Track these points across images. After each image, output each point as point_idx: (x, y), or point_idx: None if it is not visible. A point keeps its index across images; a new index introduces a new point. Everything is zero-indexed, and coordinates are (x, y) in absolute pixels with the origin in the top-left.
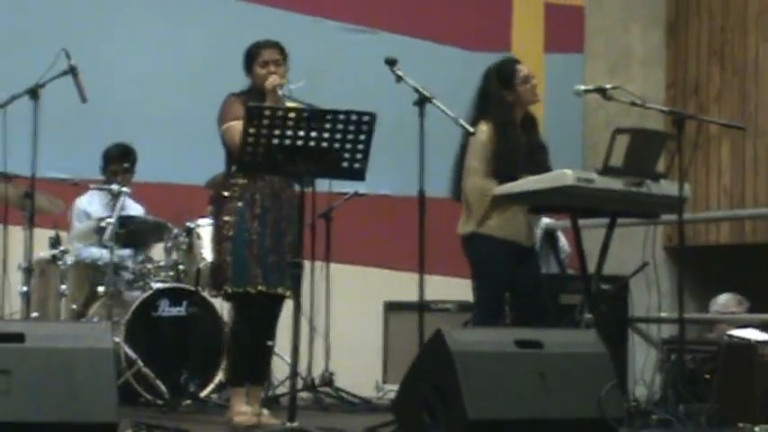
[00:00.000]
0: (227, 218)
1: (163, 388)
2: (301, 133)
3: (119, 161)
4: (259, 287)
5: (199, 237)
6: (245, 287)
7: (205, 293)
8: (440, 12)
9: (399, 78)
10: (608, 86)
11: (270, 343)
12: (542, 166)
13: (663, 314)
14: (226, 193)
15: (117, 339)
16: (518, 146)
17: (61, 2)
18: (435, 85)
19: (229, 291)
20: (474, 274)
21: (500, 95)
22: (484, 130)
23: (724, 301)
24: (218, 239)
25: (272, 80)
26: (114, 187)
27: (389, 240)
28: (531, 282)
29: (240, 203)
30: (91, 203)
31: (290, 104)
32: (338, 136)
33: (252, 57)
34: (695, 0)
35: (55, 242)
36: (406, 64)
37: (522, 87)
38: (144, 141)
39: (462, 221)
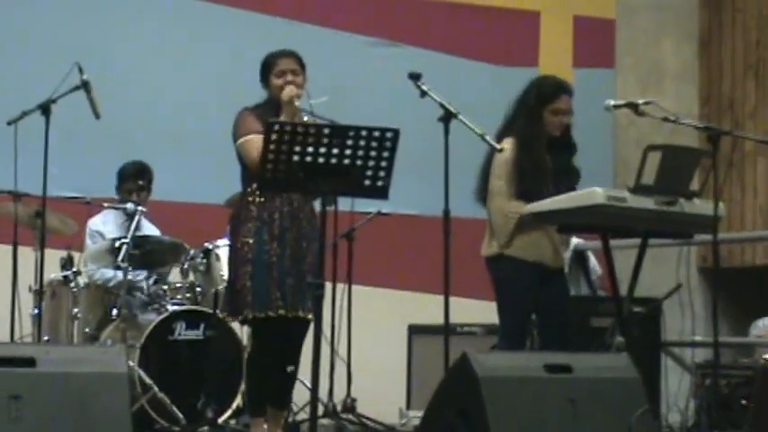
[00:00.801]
0: (245, 239)
1: (179, 414)
2: (323, 150)
3: (134, 179)
4: (279, 311)
5: (217, 258)
6: (266, 312)
7: (223, 316)
8: (465, 25)
9: (424, 93)
10: (640, 101)
11: (290, 368)
12: (563, 188)
13: (697, 338)
14: (242, 213)
15: (131, 364)
16: (542, 163)
17: (74, 15)
18: (461, 100)
19: (250, 316)
20: (498, 296)
21: (531, 110)
22: (507, 147)
23: (764, 325)
24: (237, 262)
25: (288, 91)
26: (129, 206)
27: (413, 261)
28: (559, 304)
29: (258, 223)
30: (105, 223)
31: (308, 119)
32: (361, 153)
33: (268, 67)
34: (729, 13)
35: (67, 263)
36: (431, 79)
37: (548, 114)
38: (160, 159)
39: (486, 242)
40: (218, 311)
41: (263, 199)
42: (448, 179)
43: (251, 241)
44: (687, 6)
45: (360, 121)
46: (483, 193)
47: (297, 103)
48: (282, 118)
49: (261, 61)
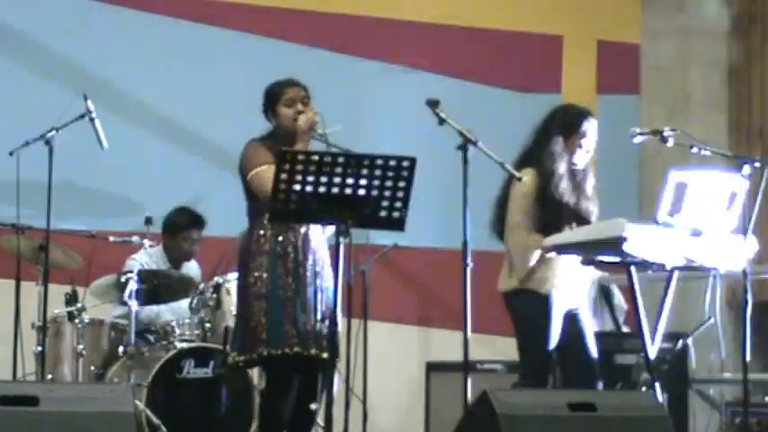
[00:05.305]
0: (257, 274)
1: None
2: (337, 180)
3: (196, 229)
4: (295, 348)
5: (228, 292)
6: (282, 349)
7: (233, 356)
8: (484, 50)
9: (442, 121)
10: (665, 129)
11: (314, 407)
12: (584, 221)
13: (726, 375)
14: (253, 247)
15: (138, 403)
16: (565, 197)
17: (79, 43)
18: (480, 128)
19: (264, 354)
20: (518, 333)
21: (554, 140)
22: (527, 179)
23: None
24: (249, 298)
25: (307, 118)
26: (135, 239)
27: (431, 296)
28: (577, 338)
29: (271, 257)
30: (149, 264)
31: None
32: (376, 183)
33: (274, 97)
34: (759, 39)
35: (71, 299)
36: (449, 106)
37: (573, 145)
38: (168, 190)
39: (504, 277)
40: (228, 348)
41: (275, 232)
42: (467, 210)
43: (264, 276)
44: (715, 32)
45: (375, 150)
46: (499, 225)
47: (325, 131)
48: (298, 147)
49: (264, 91)
